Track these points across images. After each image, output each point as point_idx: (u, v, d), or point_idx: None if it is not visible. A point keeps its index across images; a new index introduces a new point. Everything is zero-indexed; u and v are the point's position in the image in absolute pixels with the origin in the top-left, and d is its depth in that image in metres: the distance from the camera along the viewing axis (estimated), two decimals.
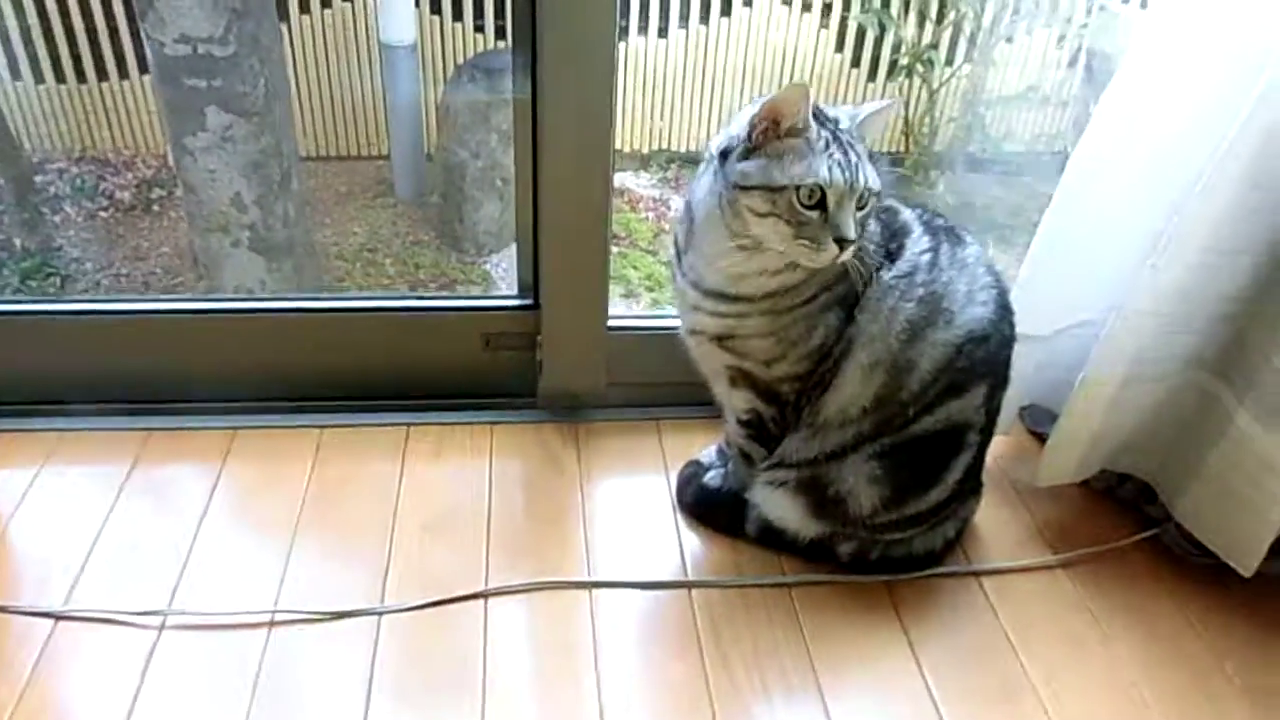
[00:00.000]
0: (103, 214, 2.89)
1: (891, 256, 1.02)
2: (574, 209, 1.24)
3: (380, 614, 1.06)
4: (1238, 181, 0.96)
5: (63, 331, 1.32)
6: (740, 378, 1.10)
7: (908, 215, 1.06)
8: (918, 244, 1.03)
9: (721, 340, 1.07)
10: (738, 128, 0.97)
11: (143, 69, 2.82)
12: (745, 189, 0.95)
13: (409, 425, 1.32)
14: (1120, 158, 1.06)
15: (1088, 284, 1.15)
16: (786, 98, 0.92)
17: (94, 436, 1.28)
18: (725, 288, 1.03)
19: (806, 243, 0.94)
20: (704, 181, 1.02)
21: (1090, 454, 1.17)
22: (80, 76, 2.76)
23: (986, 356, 1.04)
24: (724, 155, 0.98)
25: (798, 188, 0.93)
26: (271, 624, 1.05)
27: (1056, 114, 3.06)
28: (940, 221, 1.07)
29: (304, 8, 2.89)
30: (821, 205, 0.93)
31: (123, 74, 2.84)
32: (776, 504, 1.13)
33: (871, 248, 1.01)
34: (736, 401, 1.13)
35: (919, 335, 1.01)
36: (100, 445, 1.27)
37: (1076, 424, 1.14)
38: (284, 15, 2.85)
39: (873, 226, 1.01)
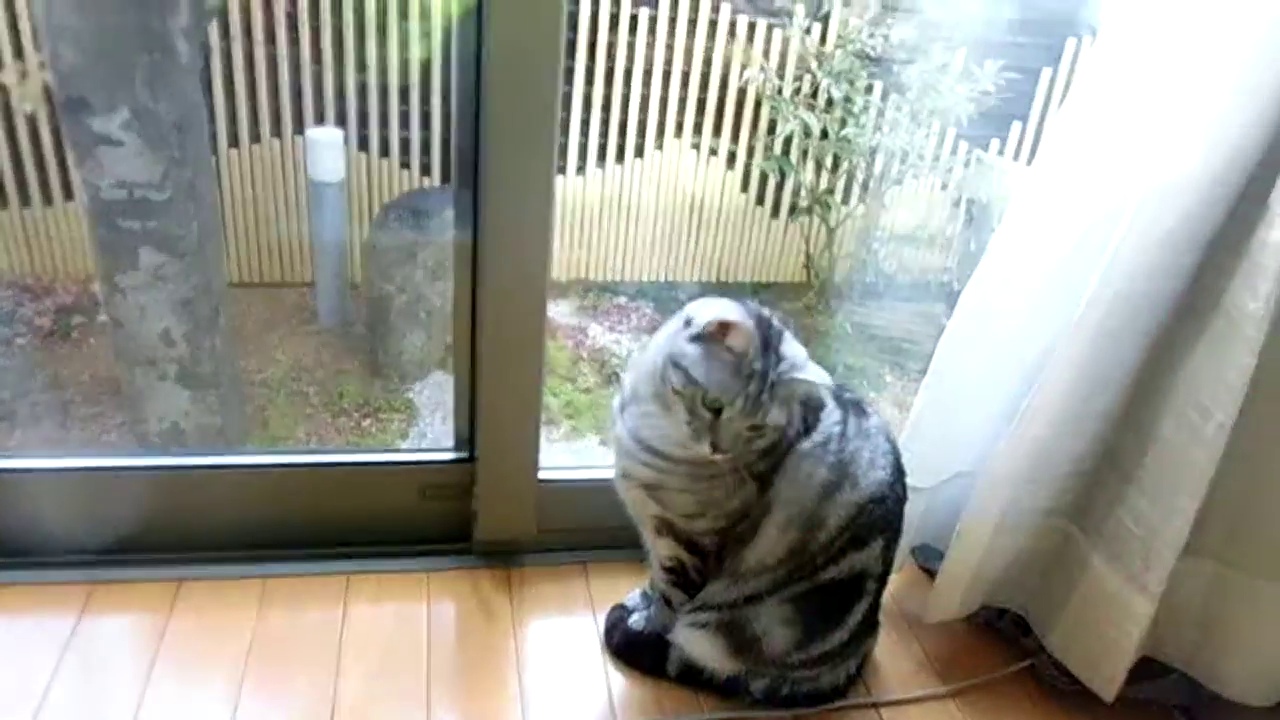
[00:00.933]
0: (19, 340, 2.89)
1: (809, 428, 1.16)
2: (510, 355, 1.32)
3: None
4: (1077, 365, 1.14)
5: (3, 485, 1.35)
6: (665, 527, 1.21)
7: (822, 391, 1.20)
8: (831, 415, 1.17)
9: (649, 489, 1.18)
10: (705, 312, 1.07)
11: (67, 195, 2.88)
12: (676, 365, 1.07)
13: (349, 574, 1.39)
14: (982, 336, 1.23)
15: (960, 444, 1.31)
16: (741, 331, 1.05)
17: (38, 590, 1.32)
18: (655, 443, 1.14)
19: (692, 432, 1.07)
20: (662, 337, 1.12)
21: (971, 592, 1.32)
22: (1, 202, 2.80)
23: (884, 514, 1.18)
24: (686, 322, 1.09)
25: (706, 392, 1.06)
26: None
27: (943, 251, 3.33)
28: (848, 395, 1.22)
29: (233, 142, 3.00)
30: (718, 414, 1.06)
31: (46, 200, 2.88)
32: (697, 644, 1.23)
33: (791, 430, 1.13)
34: (661, 549, 1.24)
35: (829, 496, 1.15)
36: (44, 598, 1.31)
37: (957, 566, 1.28)
38: (214, 149, 2.95)
39: (795, 422, 1.13)
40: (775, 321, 1.10)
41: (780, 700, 1.25)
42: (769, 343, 1.07)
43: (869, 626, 1.26)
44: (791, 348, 1.09)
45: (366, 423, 2.81)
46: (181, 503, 1.40)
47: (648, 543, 1.27)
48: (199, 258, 2.35)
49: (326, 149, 2.95)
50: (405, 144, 3.11)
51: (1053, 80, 3.03)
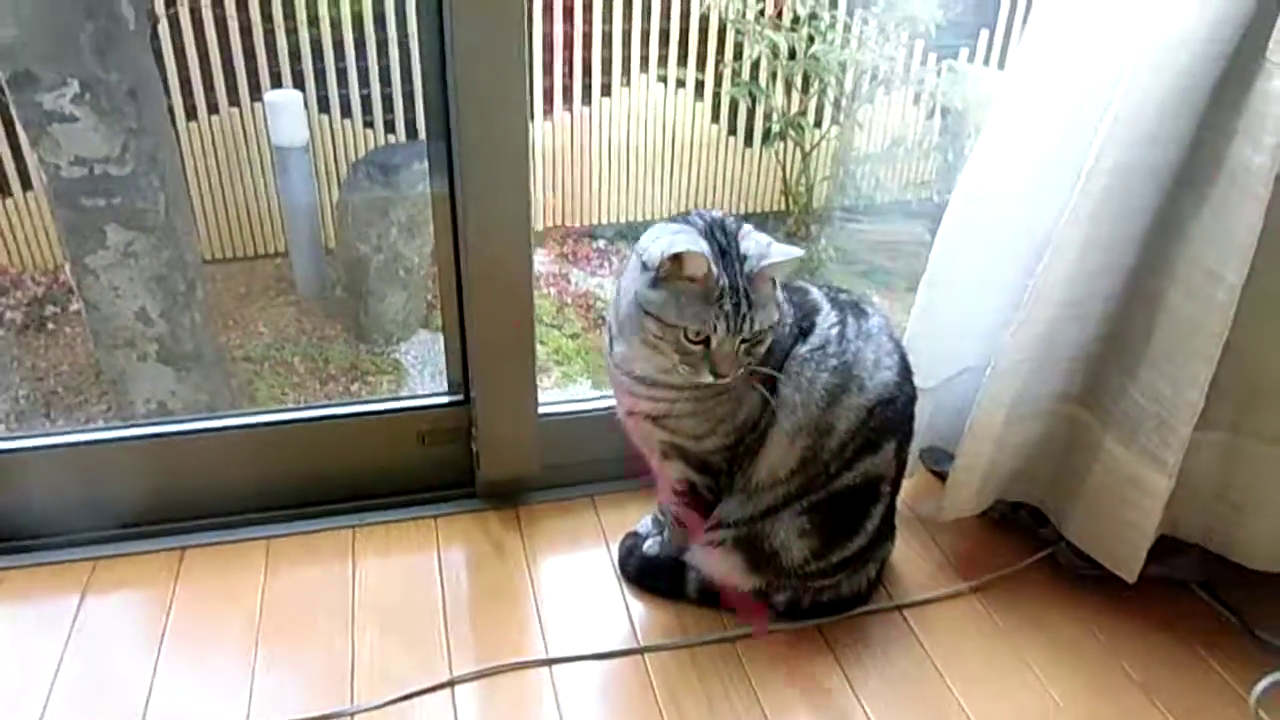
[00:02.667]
0: None
1: (805, 333, 1.13)
2: (498, 301, 1.30)
3: (352, 715, 1.11)
4: (1079, 245, 1.11)
5: None
6: (673, 451, 1.19)
7: (816, 294, 1.18)
8: (827, 319, 1.15)
9: (655, 420, 1.16)
10: (654, 249, 1.03)
11: (25, 185, 2.80)
12: (646, 312, 1.04)
13: (355, 527, 1.37)
14: (981, 224, 1.20)
15: (965, 339, 1.29)
16: (692, 259, 1.00)
17: (37, 571, 1.29)
18: (654, 375, 1.12)
19: (689, 369, 1.05)
20: (626, 279, 1.09)
21: (985, 487, 1.30)
22: None
23: (894, 415, 1.16)
24: (642, 264, 1.05)
25: (686, 329, 1.03)
26: None
27: (920, 164, 3.30)
28: (845, 296, 1.19)
29: (191, 115, 2.92)
30: (706, 343, 1.03)
31: (4, 191, 2.81)
32: (715, 562, 1.22)
33: (786, 329, 1.11)
34: (671, 473, 1.22)
35: (836, 401, 1.12)
36: (45, 580, 1.28)
37: (969, 463, 1.27)
38: (172, 124, 2.87)
39: (785, 310, 1.11)
40: (728, 221, 1.07)
41: (803, 611, 1.24)
42: (726, 250, 1.04)
43: (886, 531, 1.25)
44: (751, 240, 1.06)
45: (355, 387, 2.78)
46: (176, 471, 1.37)
47: (656, 468, 1.25)
48: (168, 231, 2.30)
49: (287, 113, 2.88)
50: (367, 102, 3.04)
51: None
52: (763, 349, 1.08)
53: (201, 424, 1.37)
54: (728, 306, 1.02)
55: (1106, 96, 1.06)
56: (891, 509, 1.23)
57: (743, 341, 1.04)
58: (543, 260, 3.26)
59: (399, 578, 1.30)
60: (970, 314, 1.27)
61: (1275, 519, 1.21)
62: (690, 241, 1.02)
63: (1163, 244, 1.12)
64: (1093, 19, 1.08)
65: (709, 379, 1.05)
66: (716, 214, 1.08)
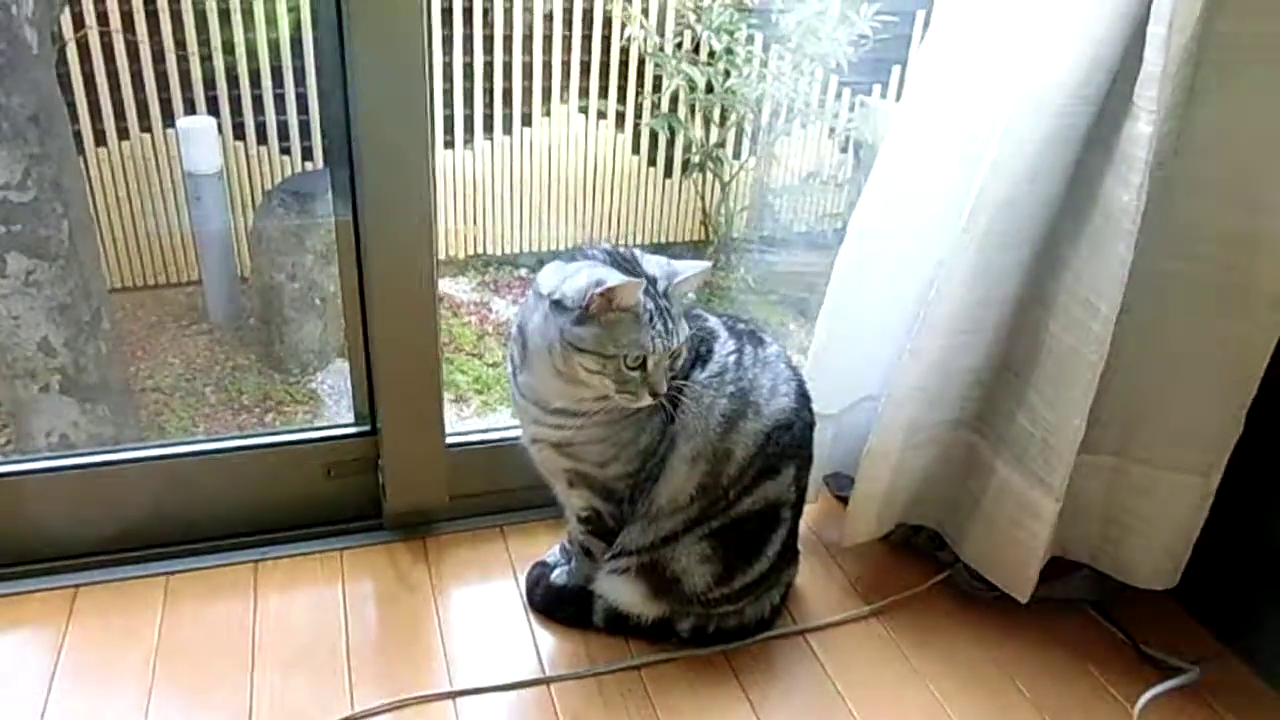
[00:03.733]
0: None
1: (702, 360, 1.15)
2: (404, 329, 1.29)
3: None
4: (966, 277, 1.15)
5: None
6: (578, 479, 1.20)
7: (713, 322, 1.20)
8: (725, 346, 1.17)
9: (560, 447, 1.17)
10: (572, 289, 1.04)
11: None
12: (579, 350, 1.05)
13: (257, 562, 1.34)
14: (875, 258, 1.24)
15: (865, 367, 1.32)
16: (627, 290, 1.02)
17: None
18: (563, 405, 1.13)
19: (628, 395, 1.06)
20: (535, 319, 1.10)
21: (885, 512, 1.34)
22: None
23: (792, 441, 1.18)
24: (556, 304, 1.06)
25: (625, 357, 1.04)
26: None
27: (835, 196, 3.38)
28: (742, 325, 1.22)
29: (100, 140, 2.86)
30: (643, 366, 1.05)
31: None
32: (619, 590, 1.22)
33: (682, 358, 1.13)
34: (576, 501, 1.23)
35: (733, 427, 1.14)
36: None
37: (868, 488, 1.30)
38: (80, 149, 2.81)
39: (687, 325, 1.12)
40: (623, 251, 1.10)
41: (708, 638, 1.25)
42: (634, 274, 1.06)
43: (788, 555, 1.27)
44: (650, 263, 1.10)
45: (269, 418, 2.72)
46: (69, 506, 1.33)
47: (561, 497, 1.25)
48: (73, 259, 2.24)
49: (200, 139, 2.84)
50: (283, 128, 3.01)
51: (927, 21, 3.08)
52: (679, 362, 1.10)
53: (98, 458, 1.34)
54: (659, 326, 1.04)
55: (989, 135, 1.11)
56: (794, 534, 1.25)
57: (670, 355, 1.07)
58: (464, 289, 3.25)
59: (302, 613, 1.28)
60: (869, 343, 1.30)
61: (1157, 538, 1.26)
62: (612, 274, 1.03)
63: (1044, 276, 1.17)
64: (973, 64, 1.13)
65: (648, 401, 1.06)
66: (606, 245, 1.10)
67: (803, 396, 1.21)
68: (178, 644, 1.22)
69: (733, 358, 1.16)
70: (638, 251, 1.11)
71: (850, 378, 1.34)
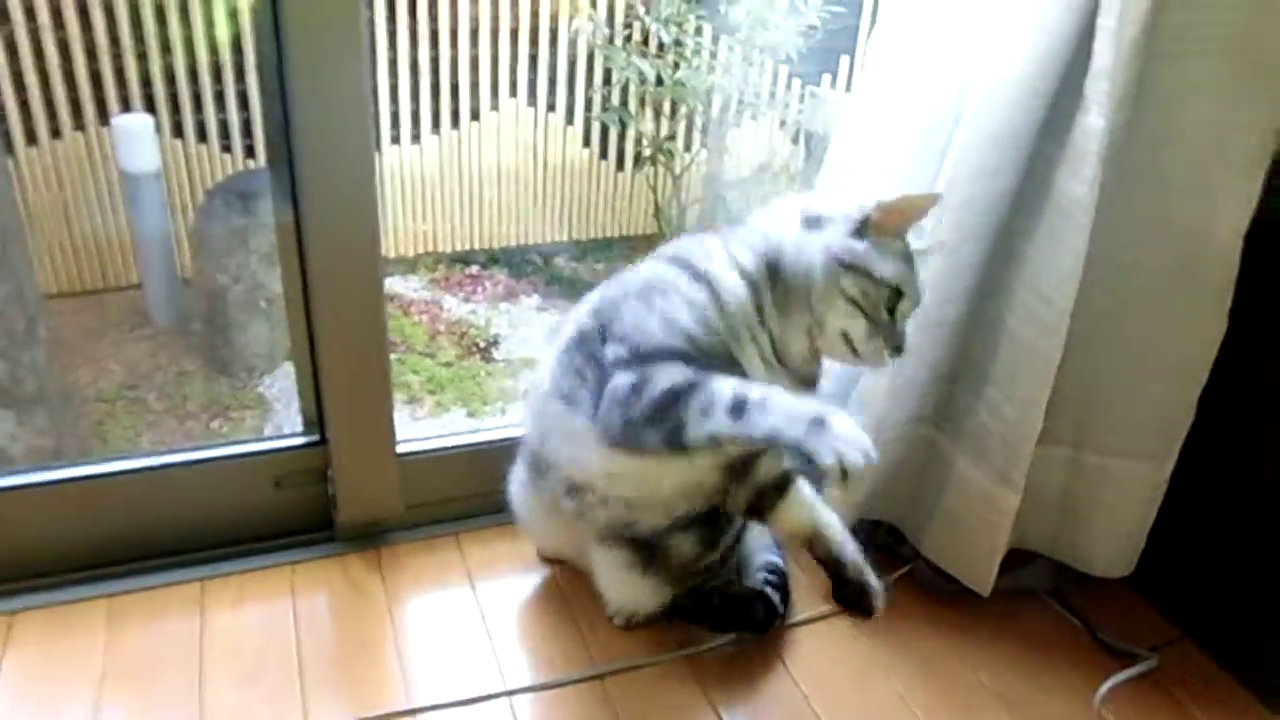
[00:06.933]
0: None
1: None
2: (350, 333, 1.26)
3: None
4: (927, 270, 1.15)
5: None
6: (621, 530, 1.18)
7: None
8: None
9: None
10: (836, 206, 1.00)
11: None
12: (846, 266, 0.97)
13: (204, 579, 1.30)
14: None
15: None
16: (923, 205, 0.97)
17: None
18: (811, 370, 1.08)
19: (874, 347, 1.00)
20: (790, 252, 1.01)
21: (846, 509, 1.33)
22: None
23: None
24: (815, 221, 1.00)
25: (892, 288, 0.98)
26: None
27: (787, 187, 3.38)
28: None
29: (30, 139, 2.76)
30: (893, 313, 1.00)
31: None
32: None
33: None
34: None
35: None
36: None
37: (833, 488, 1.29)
38: (9, 149, 2.72)
39: None
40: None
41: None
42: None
43: None
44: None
45: (216, 424, 2.66)
46: (6, 528, 1.27)
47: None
48: (4, 265, 2.15)
49: (136, 138, 2.76)
50: (224, 126, 2.94)
51: (875, 12, 3.09)
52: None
53: (31, 477, 1.28)
54: (916, 270, 0.99)
55: (946, 128, 1.10)
56: None
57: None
58: (414, 287, 3.20)
59: (254, 630, 1.24)
60: None
61: (1113, 527, 1.27)
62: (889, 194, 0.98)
63: (1002, 271, 1.17)
64: (923, 56, 1.12)
65: (888, 361, 1.00)
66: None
67: None
68: (124, 668, 1.17)
69: None
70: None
71: None
